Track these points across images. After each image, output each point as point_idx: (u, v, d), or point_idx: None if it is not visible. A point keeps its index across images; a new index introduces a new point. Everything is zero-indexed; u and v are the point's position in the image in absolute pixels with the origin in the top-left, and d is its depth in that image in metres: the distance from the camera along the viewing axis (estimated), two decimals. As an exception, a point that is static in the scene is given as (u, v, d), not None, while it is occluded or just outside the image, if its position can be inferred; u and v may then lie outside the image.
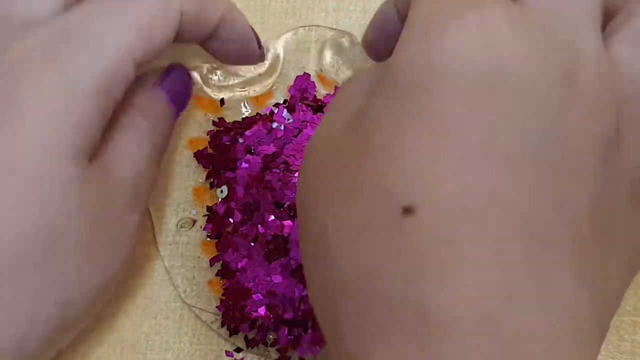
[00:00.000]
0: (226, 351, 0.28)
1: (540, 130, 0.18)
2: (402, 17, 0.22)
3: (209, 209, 0.29)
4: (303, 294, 0.27)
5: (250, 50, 0.28)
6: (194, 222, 0.29)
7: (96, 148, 0.23)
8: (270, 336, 0.28)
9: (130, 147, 0.25)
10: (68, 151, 0.22)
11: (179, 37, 0.25)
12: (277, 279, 0.27)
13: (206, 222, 0.29)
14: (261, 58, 0.29)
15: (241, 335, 0.28)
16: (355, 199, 0.18)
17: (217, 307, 0.28)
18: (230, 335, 0.28)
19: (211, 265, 0.28)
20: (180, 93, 0.28)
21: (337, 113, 0.21)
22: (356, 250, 0.18)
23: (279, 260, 0.27)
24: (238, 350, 0.28)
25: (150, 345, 0.29)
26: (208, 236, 0.29)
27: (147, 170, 0.26)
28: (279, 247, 0.27)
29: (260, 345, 0.28)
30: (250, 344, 0.28)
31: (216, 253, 0.28)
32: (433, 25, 0.19)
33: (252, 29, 0.28)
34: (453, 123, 0.18)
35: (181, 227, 0.29)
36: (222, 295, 0.28)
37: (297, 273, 0.27)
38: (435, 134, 0.18)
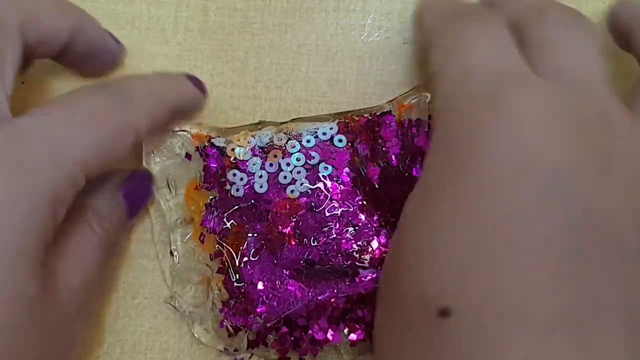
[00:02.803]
0: (226, 351, 0.28)
1: (576, 216, 0.17)
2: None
3: (206, 205, 0.29)
4: (308, 294, 0.27)
5: (109, 51, 0.29)
6: (192, 219, 0.29)
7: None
8: (271, 336, 0.28)
9: (82, 255, 0.24)
10: (27, 265, 0.20)
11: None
12: (290, 281, 0.27)
13: (204, 217, 0.29)
14: (121, 52, 0.29)
15: (241, 335, 0.28)
16: (396, 304, 0.19)
17: (219, 309, 0.28)
18: (230, 335, 0.28)
19: (211, 260, 0.28)
20: (140, 201, 0.28)
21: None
22: (400, 354, 0.18)
23: (285, 259, 0.27)
24: (238, 350, 0.28)
25: (150, 345, 0.29)
26: (208, 231, 0.29)
27: (97, 276, 0.25)
28: (281, 245, 0.27)
29: (261, 345, 0.28)
30: (251, 344, 0.28)
31: (214, 249, 0.28)
32: (458, 124, 0.19)
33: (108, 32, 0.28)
34: (482, 217, 0.18)
35: (179, 224, 0.29)
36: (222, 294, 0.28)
37: (301, 273, 0.27)
38: (465, 231, 0.18)
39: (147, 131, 0.24)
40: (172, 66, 0.31)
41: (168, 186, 0.29)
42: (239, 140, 0.28)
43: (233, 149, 0.28)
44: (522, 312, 0.16)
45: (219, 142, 0.29)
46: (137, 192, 0.28)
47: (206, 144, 0.29)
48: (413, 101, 0.29)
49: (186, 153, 0.29)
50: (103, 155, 0.23)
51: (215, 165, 0.28)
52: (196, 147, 0.29)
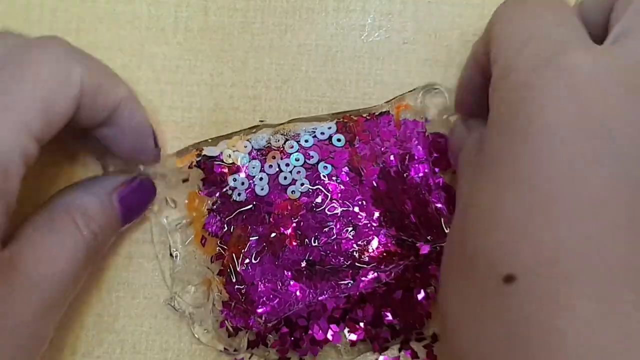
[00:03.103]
0: (226, 351, 0.28)
1: (631, 172, 0.17)
2: (485, 73, 0.23)
3: (209, 210, 0.29)
4: (308, 295, 0.27)
5: (145, 147, 0.26)
6: (192, 222, 0.29)
7: (5, 236, 0.21)
8: (271, 337, 0.28)
9: (60, 251, 0.23)
10: None
11: (74, 118, 0.23)
12: (292, 283, 0.27)
13: (206, 221, 0.29)
14: (156, 158, 0.27)
15: (241, 335, 0.28)
16: (463, 272, 0.19)
17: (220, 310, 0.28)
18: (230, 336, 0.28)
19: (212, 262, 0.28)
20: (136, 207, 0.27)
21: (454, 215, 0.22)
22: (466, 319, 0.19)
23: (287, 260, 0.27)
24: (238, 350, 0.28)
25: (150, 345, 0.29)
26: (210, 235, 0.29)
27: (75, 275, 0.24)
28: (282, 246, 0.27)
29: (261, 345, 0.28)
30: (251, 344, 0.28)
31: (215, 252, 0.28)
32: (515, 89, 0.20)
33: (151, 125, 0.26)
34: (541, 180, 0.18)
35: (179, 228, 0.29)
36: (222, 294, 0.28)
37: (302, 274, 0.27)
38: (525, 195, 0.18)
39: (91, 91, 0.23)
40: (172, 66, 0.31)
41: (167, 202, 0.29)
42: (233, 146, 0.28)
43: (229, 155, 0.28)
44: (584, 273, 0.17)
45: (211, 151, 0.28)
46: (134, 197, 0.27)
47: (199, 158, 0.28)
48: (411, 102, 0.29)
49: (183, 179, 0.28)
50: (45, 112, 0.21)
51: (213, 175, 0.28)
52: (190, 164, 0.28)
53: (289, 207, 0.27)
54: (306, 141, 0.28)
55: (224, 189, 0.28)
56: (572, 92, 0.18)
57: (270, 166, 0.28)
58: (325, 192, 0.28)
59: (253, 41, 0.31)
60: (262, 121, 0.30)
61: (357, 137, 0.28)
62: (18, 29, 0.31)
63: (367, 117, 0.28)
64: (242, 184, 0.28)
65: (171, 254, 0.29)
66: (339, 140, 0.28)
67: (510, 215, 0.18)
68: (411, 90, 0.29)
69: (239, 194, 0.28)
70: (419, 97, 0.29)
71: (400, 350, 0.28)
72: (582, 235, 0.17)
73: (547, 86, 0.19)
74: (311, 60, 0.31)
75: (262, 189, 0.28)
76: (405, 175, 0.28)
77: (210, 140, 0.29)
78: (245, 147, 0.28)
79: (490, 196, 0.19)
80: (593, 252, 0.17)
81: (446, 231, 0.27)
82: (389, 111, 0.29)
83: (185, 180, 0.28)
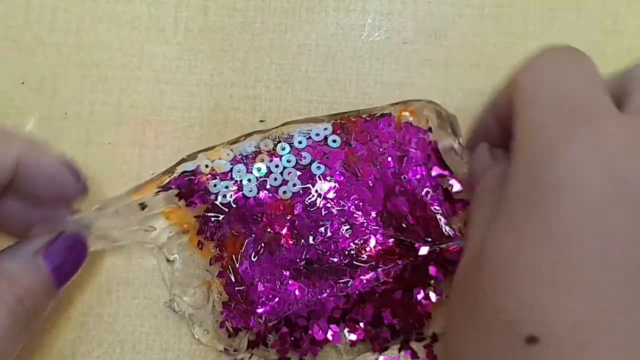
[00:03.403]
0: (226, 351, 0.28)
1: None
2: (503, 126, 0.24)
3: (197, 217, 0.29)
4: (307, 294, 0.27)
5: (67, 186, 0.25)
6: (186, 231, 0.29)
7: None
8: (271, 337, 0.28)
9: None
10: None
11: None
12: (290, 282, 0.27)
13: (198, 228, 0.28)
14: (84, 190, 0.26)
15: (241, 336, 0.28)
16: (480, 328, 0.19)
17: (220, 311, 0.28)
18: (230, 336, 0.28)
19: (211, 265, 0.28)
20: (69, 266, 0.25)
21: (467, 249, 0.22)
22: None
23: (284, 259, 0.27)
24: (238, 350, 0.28)
25: (150, 345, 0.29)
26: (205, 239, 0.29)
27: (3, 345, 0.22)
28: (278, 245, 0.27)
29: (261, 346, 0.28)
30: (251, 345, 0.28)
31: (213, 254, 0.28)
32: (546, 146, 0.20)
33: (67, 161, 0.25)
34: (567, 244, 0.18)
35: (173, 239, 0.29)
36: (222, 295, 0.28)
37: (300, 273, 0.27)
38: (552, 259, 0.18)
39: None
40: (172, 66, 0.31)
41: (146, 230, 0.28)
42: (213, 156, 0.28)
43: (207, 165, 0.28)
44: (607, 342, 0.17)
45: (189, 166, 0.28)
46: (63, 255, 0.25)
47: (171, 177, 0.28)
48: (417, 107, 0.29)
49: (141, 204, 0.28)
50: None
51: (191, 187, 0.28)
52: (158, 190, 0.28)
53: (281, 207, 0.27)
54: (300, 142, 0.28)
55: (208, 196, 0.28)
56: (603, 161, 0.19)
57: (259, 169, 0.28)
58: (320, 191, 0.28)
59: (253, 41, 0.31)
60: (262, 121, 0.30)
61: (353, 137, 0.28)
62: (18, 29, 0.31)
63: (367, 118, 0.28)
64: (226, 187, 0.28)
65: (169, 260, 0.29)
66: (334, 141, 0.28)
67: (536, 277, 0.18)
68: (419, 100, 0.29)
69: (224, 196, 0.28)
70: (425, 110, 0.29)
71: (400, 350, 0.28)
72: (608, 305, 0.17)
73: (576, 151, 0.19)
74: (311, 60, 0.31)
75: (250, 191, 0.28)
76: (402, 176, 0.28)
77: (187, 157, 0.28)
78: (228, 154, 0.28)
79: (514, 251, 0.19)
80: (617, 322, 0.17)
81: (444, 232, 0.27)
82: (390, 113, 0.29)
83: (143, 207, 0.28)
